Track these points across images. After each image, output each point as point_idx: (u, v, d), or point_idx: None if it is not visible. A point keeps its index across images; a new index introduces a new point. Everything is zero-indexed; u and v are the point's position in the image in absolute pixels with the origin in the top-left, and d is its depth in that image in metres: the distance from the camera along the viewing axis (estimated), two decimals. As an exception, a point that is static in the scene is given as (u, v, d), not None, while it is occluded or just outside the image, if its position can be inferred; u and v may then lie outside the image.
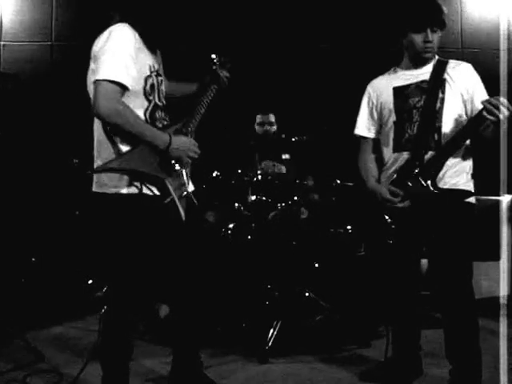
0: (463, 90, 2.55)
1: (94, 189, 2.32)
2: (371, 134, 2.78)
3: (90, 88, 2.25)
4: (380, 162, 2.74)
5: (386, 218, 2.59)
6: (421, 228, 2.56)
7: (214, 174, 3.74)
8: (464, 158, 2.55)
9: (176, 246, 2.39)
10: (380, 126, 2.74)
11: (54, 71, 4.88)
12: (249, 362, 3.02)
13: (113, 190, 2.23)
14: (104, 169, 2.18)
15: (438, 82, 2.55)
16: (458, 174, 2.53)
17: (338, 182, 3.87)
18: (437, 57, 2.62)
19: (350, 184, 3.81)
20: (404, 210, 2.55)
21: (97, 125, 2.28)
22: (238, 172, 3.71)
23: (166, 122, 2.37)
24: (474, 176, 2.60)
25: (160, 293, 3.09)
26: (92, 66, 2.23)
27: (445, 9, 2.54)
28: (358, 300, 3.55)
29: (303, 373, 2.90)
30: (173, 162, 2.27)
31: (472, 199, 2.56)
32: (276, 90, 4.70)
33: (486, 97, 2.52)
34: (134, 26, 2.23)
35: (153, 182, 2.24)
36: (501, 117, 2.30)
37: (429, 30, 2.51)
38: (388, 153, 2.67)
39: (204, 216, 3.80)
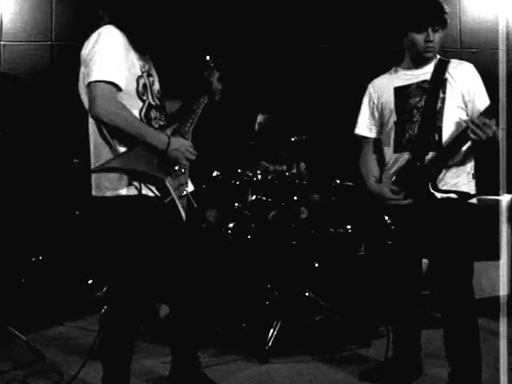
0: (464, 90, 2.55)
1: (94, 193, 2.30)
2: (372, 134, 2.78)
3: (83, 92, 2.25)
4: (381, 162, 2.74)
5: (386, 218, 2.59)
6: (421, 228, 2.56)
7: (214, 174, 3.74)
8: (465, 159, 2.55)
9: (176, 245, 2.39)
10: (381, 125, 2.74)
11: (54, 71, 4.88)
12: (249, 361, 3.02)
13: (112, 193, 2.22)
14: (103, 168, 2.17)
15: (439, 81, 2.55)
16: (458, 175, 2.53)
17: (338, 181, 3.86)
18: (438, 56, 2.62)
19: (350, 184, 3.81)
20: (404, 211, 2.55)
21: (93, 128, 2.27)
22: (237, 172, 3.71)
23: (161, 123, 2.37)
24: (475, 176, 2.60)
25: (160, 293, 3.09)
26: (83, 69, 2.22)
27: (446, 7, 2.53)
28: (358, 300, 3.55)
29: (303, 373, 2.90)
30: (171, 162, 2.27)
31: (474, 200, 2.56)
32: (276, 90, 4.70)
33: (486, 98, 2.53)
34: (122, 27, 2.23)
35: (152, 181, 2.24)
36: (483, 137, 2.32)
37: (430, 30, 2.50)
38: (389, 153, 2.67)
39: (204, 216, 3.80)
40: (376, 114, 2.75)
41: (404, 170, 2.57)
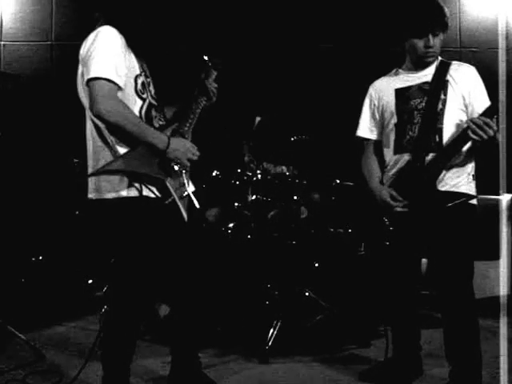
0: (465, 93, 2.55)
1: (92, 196, 2.28)
2: (373, 136, 2.78)
3: (81, 91, 2.25)
4: (382, 163, 2.74)
5: (385, 219, 2.59)
6: (420, 229, 2.56)
7: (214, 174, 3.74)
8: (465, 159, 2.54)
9: (177, 246, 2.39)
10: (382, 127, 2.73)
11: (54, 71, 4.88)
12: (249, 362, 3.02)
13: (113, 195, 2.22)
14: (103, 171, 2.17)
15: (440, 83, 2.55)
16: (458, 175, 2.53)
17: (338, 181, 3.86)
18: (440, 58, 2.61)
19: (350, 184, 3.80)
20: (403, 212, 2.55)
21: (91, 130, 2.26)
22: (237, 172, 3.71)
23: (161, 122, 2.36)
24: (475, 177, 2.60)
25: (160, 293, 3.09)
26: (81, 69, 2.23)
27: (447, 11, 2.52)
28: (358, 300, 3.54)
29: (303, 373, 2.90)
30: (172, 162, 2.27)
31: (474, 201, 2.56)
32: (276, 90, 4.70)
33: (487, 100, 2.53)
34: (119, 28, 2.23)
35: (153, 183, 2.24)
36: (484, 137, 2.32)
37: (430, 36, 2.49)
38: (389, 154, 2.67)
39: (204, 216, 3.79)
40: (377, 115, 2.75)
41: (404, 172, 2.57)
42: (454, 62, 2.61)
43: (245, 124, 4.31)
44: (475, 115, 2.45)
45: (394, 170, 2.63)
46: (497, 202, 3.99)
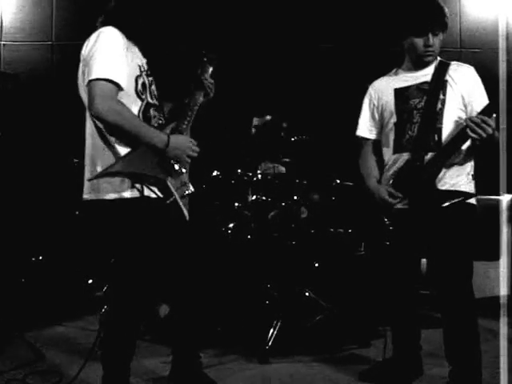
0: (464, 93, 2.55)
1: (90, 196, 2.27)
2: (372, 136, 2.78)
3: (82, 91, 2.25)
4: (380, 163, 2.74)
5: (385, 219, 2.59)
6: (420, 229, 2.56)
7: (214, 174, 3.74)
8: (464, 159, 2.54)
9: (177, 246, 2.39)
10: (381, 127, 2.74)
11: (54, 71, 4.89)
12: (249, 362, 3.02)
13: (114, 196, 2.21)
14: (106, 174, 2.17)
15: (439, 83, 2.55)
16: (458, 175, 2.53)
17: (338, 181, 3.86)
18: (439, 58, 2.62)
19: (350, 184, 3.80)
20: (402, 211, 2.55)
21: (91, 130, 2.26)
22: (237, 172, 3.71)
23: (160, 122, 2.36)
24: (474, 176, 2.60)
25: (160, 292, 3.09)
26: (82, 68, 2.23)
27: (447, 11, 2.53)
28: (358, 300, 3.54)
29: (303, 373, 2.89)
30: (172, 161, 2.27)
31: (473, 200, 2.56)
32: (276, 90, 4.70)
33: (485, 100, 2.53)
34: (121, 27, 2.23)
35: (154, 183, 2.24)
36: (483, 135, 2.32)
37: (430, 34, 2.50)
38: (388, 154, 2.67)
39: (204, 216, 3.79)
40: (376, 115, 2.75)
41: (403, 171, 2.57)
42: (453, 63, 2.61)
43: (244, 124, 4.31)
44: (474, 114, 2.45)
45: (393, 169, 2.63)
46: (497, 203, 3.99)
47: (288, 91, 4.73)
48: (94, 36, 2.21)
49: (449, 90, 2.55)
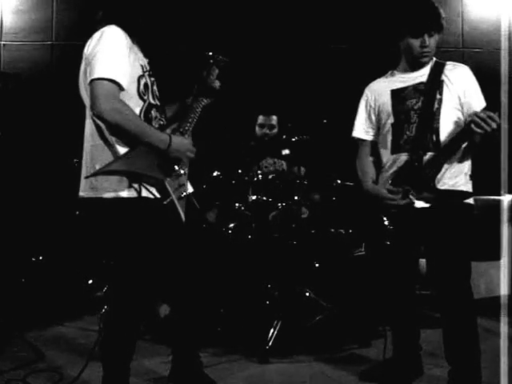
0: (460, 92, 2.55)
1: (87, 194, 2.26)
2: (369, 137, 2.79)
3: (83, 89, 2.25)
4: (377, 164, 2.74)
5: (384, 219, 2.59)
6: (418, 229, 2.56)
7: (215, 174, 3.74)
8: (462, 159, 2.55)
9: (176, 246, 2.38)
10: (378, 128, 2.74)
11: (54, 71, 4.89)
12: (249, 361, 3.02)
13: (111, 195, 2.20)
14: (104, 171, 2.16)
15: (435, 83, 2.56)
16: (456, 175, 2.53)
17: (339, 181, 3.86)
18: (434, 58, 2.62)
19: (351, 184, 3.80)
20: (401, 211, 2.55)
21: (91, 129, 2.25)
22: (238, 172, 3.70)
23: (161, 122, 2.36)
24: (472, 177, 2.60)
25: (160, 293, 3.09)
26: (84, 67, 2.22)
27: (442, 11, 2.53)
28: (358, 300, 3.54)
29: (303, 373, 2.89)
30: (172, 162, 2.27)
31: (470, 200, 2.57)
32: (279, 91, 4.70)
33: (482, 99, 2.54)
34: (124, 27, 2.23)
35: (152, 183, 2.23)
36: (488, 129, 2.31)
37: (426, 36, 2.51)
38: (386, 155, 2.67)
39: (204, 216, 3.79)
40: (373, 117, 2.75)
41: (402, 171, 2.57)
42: (448, 63, 2.62)
43: (244, 124, 4.32)
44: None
45: (391, 170, 2.63)
46: (498, 203, 3.99)
47: (291, 91, 4.73)
48: (97, 35, 2.20)
49: (445, 89, 2.55)
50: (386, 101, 2.66)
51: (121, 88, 2.16)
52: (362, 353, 3.16)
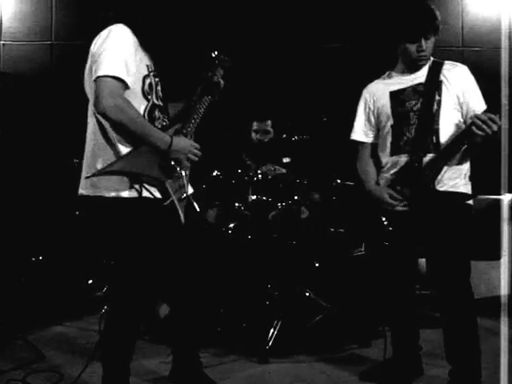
0: (459, 92, 2.55)
1: (87, 192, 2.26)
2: (369, 139, 2.78)
3: (88, 86, 2.25)
4: (377, 165, 2.74)
5: (383, 220, 2.59)
6: (418, 229, 2.56)
7: (214, 174, 3.74)
8: (462, 161, 2.55)
9: (176, 246, 2.38)
10: (377, 130, 2.74)
11: (53, 71, 4.89)
12: (249, 361, 3.02)
13: (112, 194, 2.20)
14: (106, 172, 2.16)
15: (434, 84, 2.55)
16: (456, 176, 2.54)
17: (339, 181, 3.86)
18: (432, 58, 2.62)
19: (351, 183, 3.80)
20: (401, 212, 2.55)
21: (93, 128, 2.25)
22: (238, 172, 3.70)
23: (164, 123, 2.36)
24: (471, 177, 2.60)
25: (160, 293, 3.09)
26: (90, 64, 2.22)
27: (437, 13, 2.52)
28: (358, 300, 3.54)
29: (303, 373, 2.89)
30: (173, 163, 2.26)
31: (470, 201, 2.57)
32: (271, 95, 4.69)
33: (481, 99, 2.54)
34: (130, 26, 2.23)
35: (153, 184, 2.23)
36: (489, 132, 2.31)
37: (423, 40, 2.50)
38: (385, 156, 2.67)
39: (204, 216, 3.79)
40: (372, 119, 2.75)
41: (402, 172, 2.57)
42: (446, 62, 2.61)
43: (244, 124, 4.31)
44: (471, 114, 2.46)
45: (392, 171, 2.63)
46: (498, 202, 3.98)
47: (284, 94, 4.72)
48: (104, 33, 2.20)
49: (444, 90, 2.55)
50: (385, 103, 2.65)
51: (126, 86, 2.16)
52: (362, 353, 3.16)
